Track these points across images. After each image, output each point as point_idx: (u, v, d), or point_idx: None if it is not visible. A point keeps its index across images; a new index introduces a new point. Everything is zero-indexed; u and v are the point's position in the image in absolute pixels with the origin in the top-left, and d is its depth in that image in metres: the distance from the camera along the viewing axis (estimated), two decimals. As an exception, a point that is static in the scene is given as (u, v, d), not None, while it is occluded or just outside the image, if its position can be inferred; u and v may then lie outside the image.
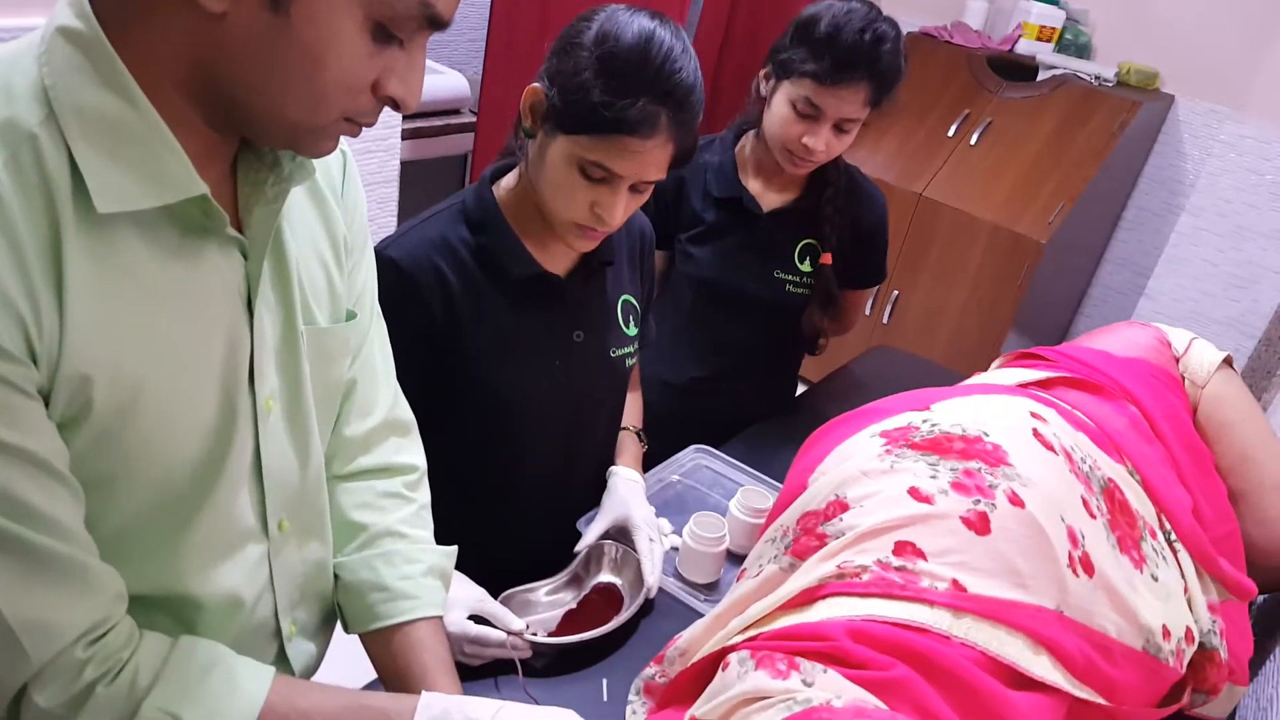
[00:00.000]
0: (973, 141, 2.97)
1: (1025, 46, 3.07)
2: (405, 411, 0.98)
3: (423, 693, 0.74)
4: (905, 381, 1.34)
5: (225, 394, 0.71)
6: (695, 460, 1.49)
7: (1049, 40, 3.07)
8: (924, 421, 1.02)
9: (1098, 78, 2.92)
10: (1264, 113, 2.58)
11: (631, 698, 1.03)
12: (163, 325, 0.65)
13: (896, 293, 3.06)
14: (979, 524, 0.90)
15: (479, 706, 0.73)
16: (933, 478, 0.94)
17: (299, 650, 0.88)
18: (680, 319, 1.66)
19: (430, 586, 0.91)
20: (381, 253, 1.05)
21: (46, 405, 0.60)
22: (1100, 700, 0.90)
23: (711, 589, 1.24)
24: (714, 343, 1.68)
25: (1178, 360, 1.26)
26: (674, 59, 1.00)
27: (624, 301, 1.27)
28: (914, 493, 0.93)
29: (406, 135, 2.58)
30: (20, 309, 0.57)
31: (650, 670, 1.04)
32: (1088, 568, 0.94)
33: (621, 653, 1.11)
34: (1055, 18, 3.05)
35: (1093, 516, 0.98)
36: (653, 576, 1.16)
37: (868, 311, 3.10)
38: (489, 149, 2.44)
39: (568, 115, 1.01)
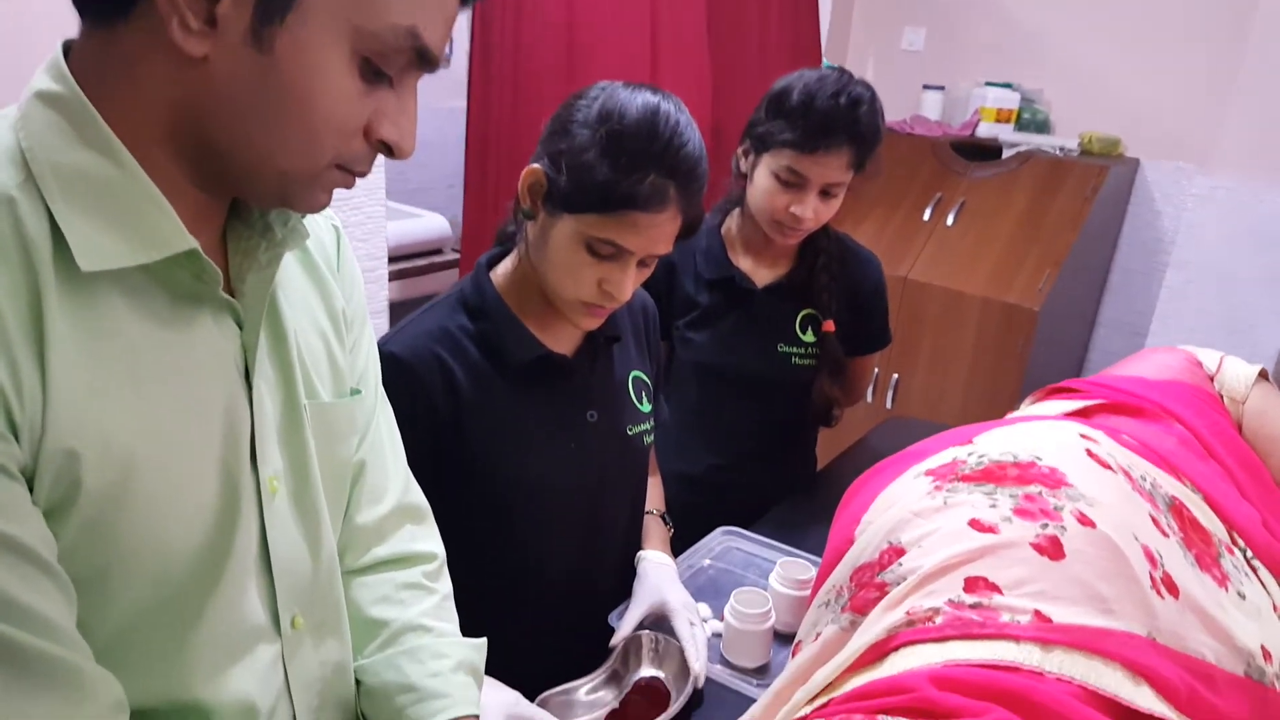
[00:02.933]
0: (949, 223, 3.01)
1: (986, 129, 3.17)
2: (419, 497, 0.92)
3: None
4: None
5: (226, 474, 0.65)
6: (725, 543, 1.42)
7: (1008, 121, 3.17)
8: (970, 454, 0.97)
9: (1062, 149, 3.01)
10: (1229, 165, 2.64)
11: (694, 794, 0.93)
12: (154, 397, 0.60)
13: (896, 376, 3.04)
14: (1051, 549, 0.83)
15: None
16: (992, 507, 0.88)
17: None
18: (688, 408, 1.62)
19: (462, 683, 0.83)
20: (381, 348, 1.01)
21: (31, 488, 0.55)
22: (1212, 735, 0.81)
23: (762, 672, 1.14)
24: (726, 427, 1.63)
25: (1212, 379, 1.22)
26: (680, 132, 1.00)
27: (635, 378, 1.23)
28: (975, 524, 0.87)
29: (393, 276, 2.66)
30: (0, 378, 0.53)
31: (711, 762, 0.94)
32: (1171, 588, 0.87)
33: (675, 749, 1.01)
34: (1011, 100, 3.16)
35: (1165, 535, 0.91)
36: (699, 664, 1.07)
37: (869, 399, 3.06)
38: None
39: (574, 195, 1.00)
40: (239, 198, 0.67)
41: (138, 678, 0.62)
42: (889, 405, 3.07)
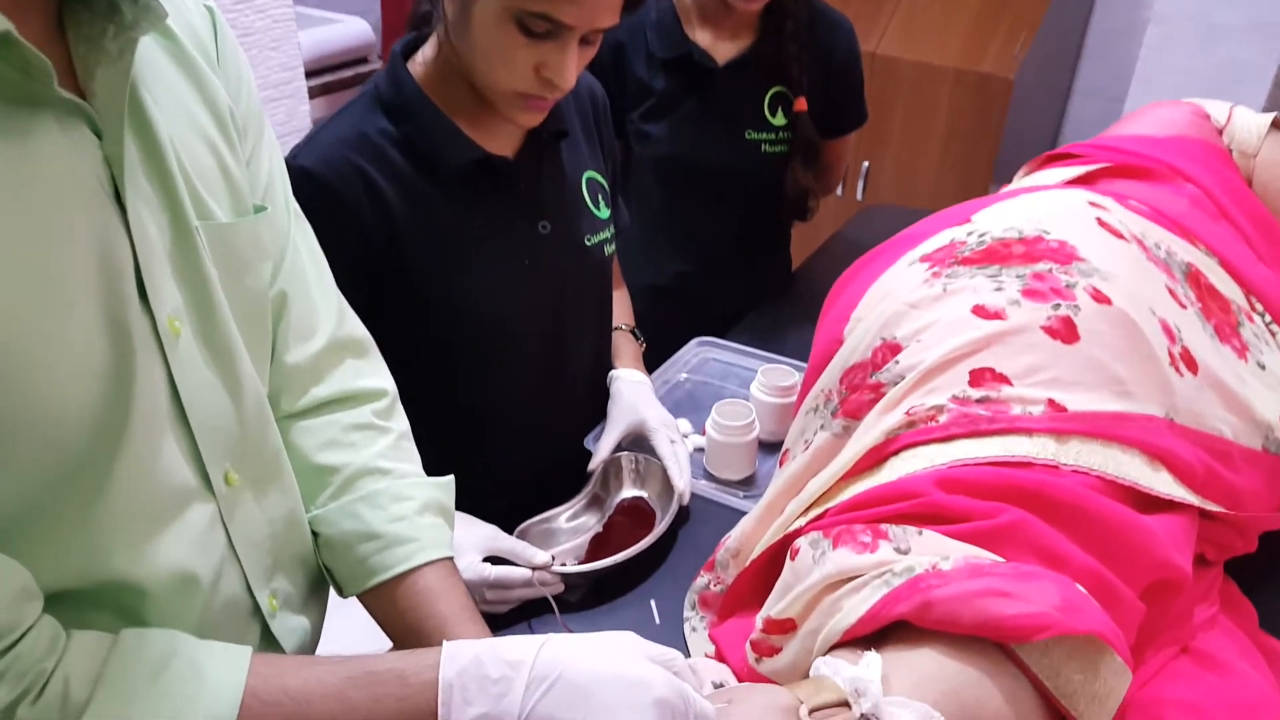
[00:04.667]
0: (917, -11, 2.78)
1: (956, -121, 2.87)
2: (357, 328, 0.81)
3: (444, 642, 0.59)
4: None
5: (109, 317, 0.54)
6: (700, 354, 1.34)
7: None
8: (969, 234, 0.87)
9: (1039, -105, 2.73)
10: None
11: (687, 614, 0.89)
12: None
13: (866, 164, 2.90)
14: (1064, 331, 0.75)
15: (518, 646, 0.58)
16: (998, 290, 0.79)
17: (287, 628, 0.73)
18: (651, 212, 1.49)
19: (430, 524, 0.76)
20: (290, 163, 0.86)
21: None
22: (1226, 511, 0.77)
23: (749, 484, 1.09)
24: (693, 230, 1.52)
25: (1220, 132, 1.11)
26: None
27: (589, 179, 1.10)
28: (979, 311, 0.78)
29: (315, 92, 2.44)
30: None
31: (703, 579, 0.90)
32: (1190, 364, 0.80)
33: (665, 568, 0.97)
34: None
35: (1182, 306, 0.83)
36: (682, 481, 1.02)
37: (839, 193, 2.94)
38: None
39: None
40: None
41: (47, 559, 0.54)
42: (859, 196, 2.95)
